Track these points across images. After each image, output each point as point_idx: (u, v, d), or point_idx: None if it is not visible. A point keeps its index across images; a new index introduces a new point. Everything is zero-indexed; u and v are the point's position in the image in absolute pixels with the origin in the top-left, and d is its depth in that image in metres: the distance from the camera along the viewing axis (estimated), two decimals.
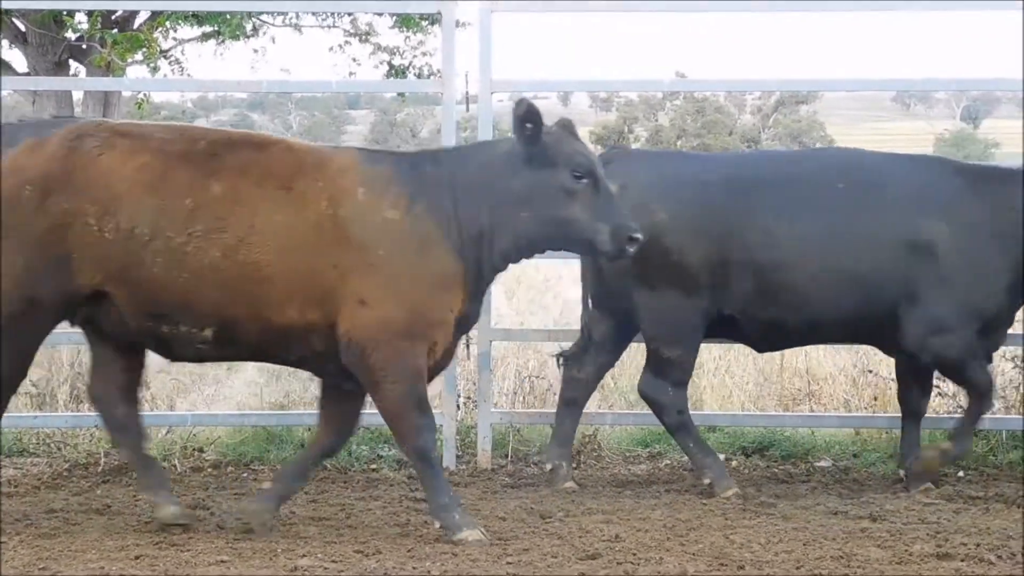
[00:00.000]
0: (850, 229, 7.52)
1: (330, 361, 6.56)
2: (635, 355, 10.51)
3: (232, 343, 6.57)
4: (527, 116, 6.62)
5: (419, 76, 20.89)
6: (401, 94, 19.38)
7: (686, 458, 8.26)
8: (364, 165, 6.60)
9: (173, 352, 6.69)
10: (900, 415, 8.06)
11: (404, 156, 6.85)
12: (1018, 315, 7.88)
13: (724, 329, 7.74)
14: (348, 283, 6.40)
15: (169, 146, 6.51)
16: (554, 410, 8.14)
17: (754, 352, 8.26)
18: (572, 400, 8.03)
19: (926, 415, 8.39)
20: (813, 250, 7.52)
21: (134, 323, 6.51)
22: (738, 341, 8.06)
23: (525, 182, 6.61)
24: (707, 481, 7.63)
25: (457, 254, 6.54)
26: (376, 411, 6.64)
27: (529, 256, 6.83)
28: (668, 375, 7.70)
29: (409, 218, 6.49)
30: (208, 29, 19.75)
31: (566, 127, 6.85)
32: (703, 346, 7.88)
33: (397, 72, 21.03)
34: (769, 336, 7.78)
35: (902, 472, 7.89)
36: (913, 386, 7.97)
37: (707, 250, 7.52)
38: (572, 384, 8.05)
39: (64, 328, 6.79)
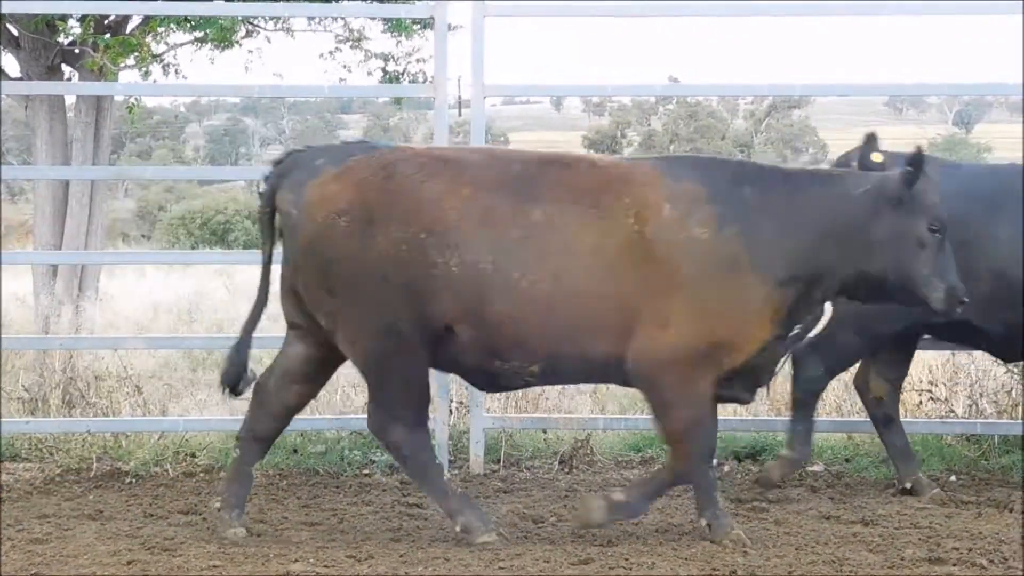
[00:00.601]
0: None
1: None
2: None
3: (556, 376, 6.49)
4: (915, 161, 6.33)
5: (413, 81, 20.88)
6: (397, 99, 19.40)
7: None
8: (668, 179, 6.34)
9: (496, 384, 6.57)
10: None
11: (720, 170, 6.50)
12: None
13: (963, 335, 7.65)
14: (651, 304, 6.20)
15: (484, 173, 6.32)
16: (545, 415, 8.11)
17: None
18: (888, 417, 7.93)
19: (918, 419, 8.42)
20: None
21: (472, 360, 6.37)
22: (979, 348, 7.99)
23: (885, 225, 6.35)
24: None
25: (771, 283, 6.27)
26: (366, 416, 6.62)
27: (849, 298, 6.63)
28: None
29: (718, 239, 6.23)
30: (199, 34, 19.73)
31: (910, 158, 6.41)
32: None
33: (391, 78, 21.00)
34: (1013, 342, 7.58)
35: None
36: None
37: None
38: (877, 403, 7.94)
39: (56, 333, 6.78)
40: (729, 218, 6.26)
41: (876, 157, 6.81)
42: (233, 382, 6.78)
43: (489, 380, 6.54)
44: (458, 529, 6.56)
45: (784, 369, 6.86)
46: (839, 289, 6.47)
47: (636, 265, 6.19)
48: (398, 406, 6.45)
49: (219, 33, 18.67)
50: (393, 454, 6.68)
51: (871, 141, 6.88)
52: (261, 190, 6.65)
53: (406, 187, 6.28)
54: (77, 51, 19.17)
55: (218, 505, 6.79)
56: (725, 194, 6.32)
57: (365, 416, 6.68)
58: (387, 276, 6.22)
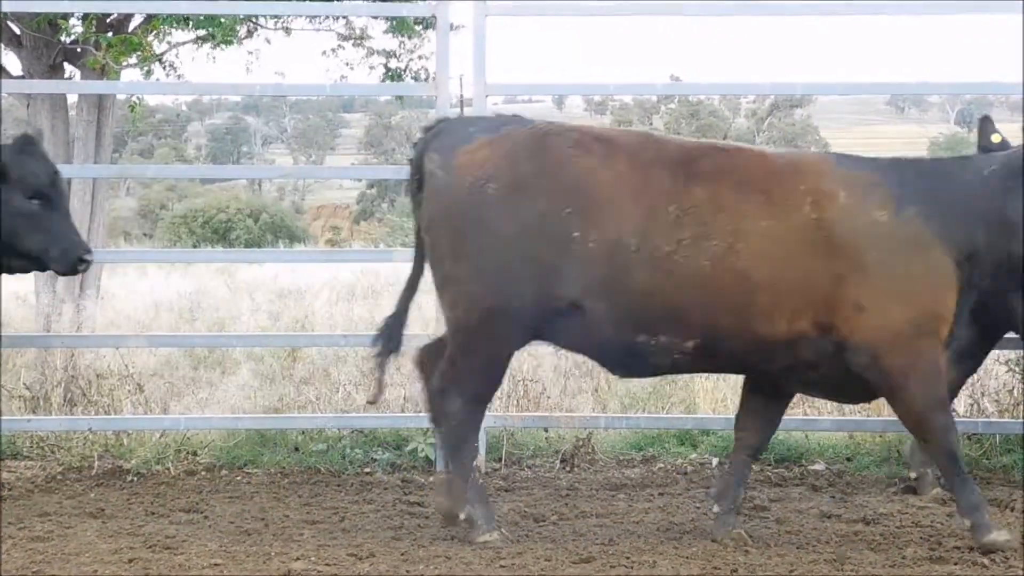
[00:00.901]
0: None
1: (815, 369, 6.36)
2: None
3: (712, 355, 6.38)
4: None
5: (416, 80, 20.88)
6: (399, 97, 19.40)
7: (679, 461, 8.30)
8: (841, 168, 6.37)
9: (646, 364, 6.46)
10: (892, 419, 8.03)
11: (884, 162, 6.51)
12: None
13: None
14: (841, 289, 6.18)
15: (641, 152, 6.30)
16: (547, 414, 8.10)
17: None
18: None
19: None
20: None
21: (612, 335, 6.30)
22: None
23: (1019, 203, 6.34)
24: None
25: (952, 261, 6.28)
26: (370, 415, 6.63)
27: (1001, 287, 6.51)
28: None
29: (899, 220, 6.24)
30: (201, 33, 19.74)
31: None
32: None
33: (393, 76, 21.01)
34: None
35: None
36: None
37: None
38: None
39: (57, 331, 6.78)
40: (905, 200, 6.29)
41: (995, 138, 6.83)
42: (391, 350, 6.80)
43: (629, 358, 6.43)
44: (462, 517, 6.56)
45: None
46: (998, 271, 6.40)
47: (814, 251, 6.19)
48: (471, 380, 6.45)
49: (224, 31, 18.67)
50: (439, 419, 6.59)
51: (987, 123, 6.90)
52: (409, 157, 6.65)
53: (558, 160, 6.27)
54: (79, 50, 19.17)
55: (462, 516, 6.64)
56: (894, 179, 6.35)
57: (366, 415, 6.67)
58: (520, 248, 6.21)
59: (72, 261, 7.08)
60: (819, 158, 6.52)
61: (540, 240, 6.20)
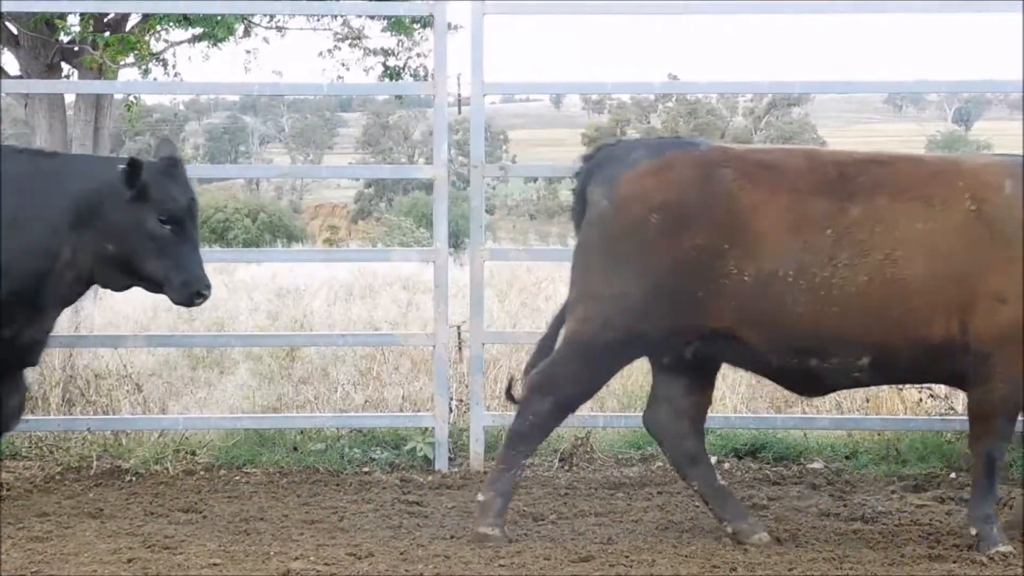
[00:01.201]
0: None
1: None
2: None
3: (890, 367, 6.36)
4: None
5: (415, 78, 20.89)
6: (398, 96, 19.46)
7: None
8: (1006, 163, 6.34)
9: (823, 384, 6.49)
10: (890, 417, 8.04)
11: None
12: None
13: None
14: (989, 280, 6.16)
15: (803, 178, 6.26)
16: None
17: None
18: None
19: (918, 417, 8.42)
20: None
21: (775, 360, 6.33)
22: None
23: None
24: None
25: None
26: (368, 414, 6.62)
27: None
28: None
29: None
30: (198, 31, 19.73)
31: None
32: None
33: (392, 75, 21.01)
34: None
35: None
36: None
37: None
38: None
39: (55, 331, 6.76)
40: None
41: None
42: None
43: (807, 381, 6.47)
44: (480, 498, 6.61)
45: None
46: None
47: (972, 244, 6.17)
48: (568, 388, 6.47)
49: (222, 29, 18.66)
50: (520, 417, 6.58)
51: None
52: (572, 186, 6.66)
53: (724, 192, 6.25)
54: (76, 49, 19.17)
55: (730, 529, 6.61)
56: None
57: (363, 414, 6.66)
58: (671, 279, 6.23)
59: (190, 294, 6.97)
60: (981, 157, 6.48)
61: (693, 273, 6.21)
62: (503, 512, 6.63)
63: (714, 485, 6.69)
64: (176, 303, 7.09)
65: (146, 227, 6.88)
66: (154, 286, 7.02)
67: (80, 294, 7.15)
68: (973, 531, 6.41)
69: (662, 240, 6.23)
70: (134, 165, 6.83)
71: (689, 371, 6.57)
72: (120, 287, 7.14)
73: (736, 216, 6.21)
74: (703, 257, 6.20)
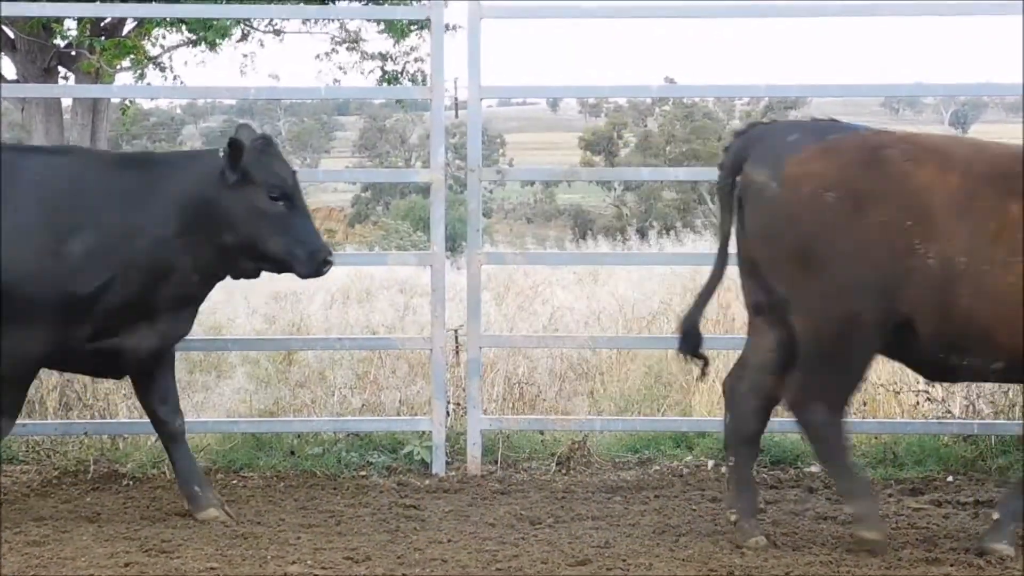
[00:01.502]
0: None
1: None
2: (625, 360, 10.53)
3: (1019, 372, 6.32)
4: None
5: (413, 82, 20.89)
6: (397, 100, 19.39)
7: (675, 464, 8.33)
8: None
9: (954, 376, 6.51)
10: (887, 420, 8.04)
11: None
12: None
13: None
14: None
15: (971, 165, 6.21)
16: (542, 416, 8.08)
17: None
18: None
19: (915, 420, 8.43)
20: None
21: (928, 355, 6.30)
22: None
23: None
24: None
25: None
26: (365, 418, 6.62)
27: None
28: None
29: None
30: (193, 36, 19.75)
31: None
32: None
33: (389, 79, 21.01)
34: None
35: None
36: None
37: None
38: None
39: None
40: None
41: None
42: (692, 348, 6.75)
43: (945, 373, 6.48)
44: (849, 511, 6.54)
45: None
46: None
47: None
48: (830, 389, 6.41)
49: (217, 33, 18.65)
50: (807, 432, 6.55)
51: None
52: (720, 162, 6.61)
53: (894, 172, 6.19)
54: (73, 53, 19.18)
55: (734, 518, 6.64)
56: None
57: (360, 418, 6.66)
58: (864, 260, 6.16)
59: (318, 263, 6.98)
60: None
61: (883, 251, 6.15)
62: (877, 509, 6.58)
63: (746, 473, 6.66)
64: (304, 276, 7.11)
65: (258, 207, 6.89)
66: (279, 265, 7.02)
67: (209, 290, 7.15)
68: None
69: (843, 220, 6.18)
70: (235, 146, 6.82)
71: (785, 352, 6.48)
72: (250, 274, 7.13)
73: (912, 195, 6.16)
74: (889, 233, 6.14)
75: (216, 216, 6.88)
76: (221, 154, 6.89)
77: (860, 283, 6.18)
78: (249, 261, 7.01)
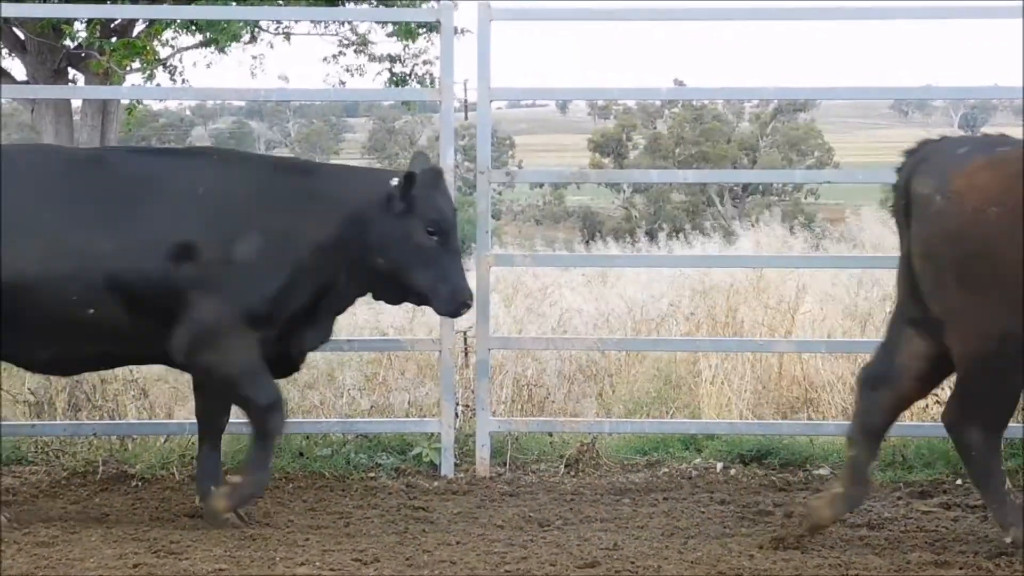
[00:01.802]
0: None
1: None
2: (634, 362, 10.52)
3: None
4: None
5: (421, 84, 20.91)
6: (406, 103, 19.41)
7: (684, 466, 8.33)
8: None
9: None
10: (896, 423, 7.99)
11: None
12: None
13: None
14: None
15: None
16: (551, 418, 8.07)
17: (752, 360, 8.25)
18: None
19: (924, 423, 8.42)
20: None
21: None
22: None
23: None
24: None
25: None
26: (374, 420, 6.61)
27: None
28: None
29: None
30: (202, 37, 19.78)
31: None
32: (701, 354, 7.83)
33: (398, 81, 21.04)
34: None
35: None
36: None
37: None
38: None
39: None
40: None
41: None
42: (883, 380, 6.59)
43: None
44: (1008, 541, 6.38)
45: None
46: None
47: None
48: (987, 409, 6.32)
49: (227, 36, 18.69)
50: (961, 452, 6.48)
51: None
52: (894, 181, 6.52)
53: None
54: (83, 54, 19.21)
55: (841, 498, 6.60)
56: None
57: (369, 419, 6.66)
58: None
59: (457, 304, 7.02)
60: None
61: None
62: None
63: (865, 469, 6.60)
64: (441, 314, 7.25)
65: (414, 239, 6.92)
66: (420, 298, 7.08)
67: (352, 303, 7.24)
68: None
69: (1006, 234, 6.03)
70: (410, 179, 6.87)
71: (934, 359, 6.41)
72: (394, 300, 7.23)
73: None
74: None
75: (376, 238, 6.94)
76: (394, 183, 6.92)
77: (1016, 302, 6.05)
78: (395, 288, 7.08)
